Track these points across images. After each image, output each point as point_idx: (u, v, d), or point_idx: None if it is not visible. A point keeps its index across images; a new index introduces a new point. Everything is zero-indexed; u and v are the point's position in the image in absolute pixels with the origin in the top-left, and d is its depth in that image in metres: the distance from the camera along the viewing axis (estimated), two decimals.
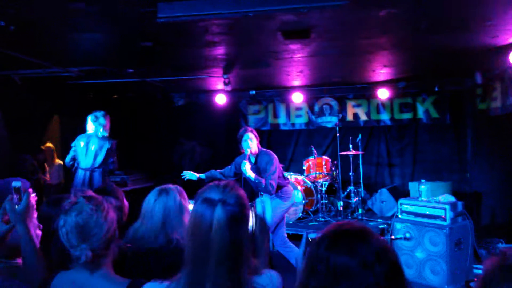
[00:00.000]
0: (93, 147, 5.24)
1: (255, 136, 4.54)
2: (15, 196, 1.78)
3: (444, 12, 3.38)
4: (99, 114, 5.31)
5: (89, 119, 5.33)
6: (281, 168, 4.72)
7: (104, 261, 1.62)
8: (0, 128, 5.50)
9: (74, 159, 5.33)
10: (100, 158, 5.23)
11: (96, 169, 5.25)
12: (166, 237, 2.12)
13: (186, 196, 2.26)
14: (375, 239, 1.19)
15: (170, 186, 2.26)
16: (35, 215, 1.87)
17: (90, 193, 1.69)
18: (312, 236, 1.30)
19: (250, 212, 1.49)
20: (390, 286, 1.12)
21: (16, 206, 1.76)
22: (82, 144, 5.26)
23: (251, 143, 4.45)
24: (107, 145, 5.24)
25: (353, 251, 1.15)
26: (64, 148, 6.95)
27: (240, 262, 1.34)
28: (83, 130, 5.44)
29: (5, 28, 3.26)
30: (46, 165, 6.67)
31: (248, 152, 4.44)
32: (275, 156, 4.53)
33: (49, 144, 6.81)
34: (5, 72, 5.25)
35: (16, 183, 1.81)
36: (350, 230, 1.21)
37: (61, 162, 6.87)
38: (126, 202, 2.38)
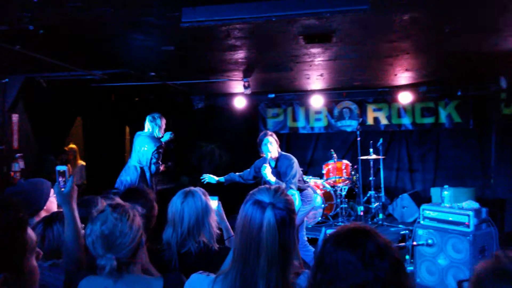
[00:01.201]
0: (140, 146, 5.36)
1: (275, 140, 4.54)
2: (60, 179, 1.94)
3: (468, 15, 3.32)
4: (156, 115, 5.47)
5: (147, 119, 5.49)
6: (301, 172, 4.71)
7: (131, 268, 1.64)
8: (26, 130, 5.63)
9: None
10: (145, 158, 5.31)
11: (144, 167, 5.35)
12: (195, 240, 2.16)
13: (209, 197, 2.30)
14: (377, 237, 1.24)
15: (194, 188, 2.29)
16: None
17: (118, 200, 1.72)
18: (330, 231, 1.37)
19: None
20: (391, 282, 1.16)
21: (62, 189, 1.91)
22: (136, 142, 5.43)
23: (271, 147, 4.46)
24: (152, 146, 5.31)
25: (355, 246, 1.21)
26: (86, 149, 7.09)
27: (288, 262, 1.42)
28: (106, 131, 5.52)
29: (34, 32, 3.34)
30: (69, 165, 6.80)
31: (269, 156, 4.44)
32: (295, 159, 4.52)
33: (72, 145, 6.95)
34: (31, 74, 5.37)
35: (61, 167, 1.97)
36: (354, 228, 1.29)
37: (84, 163, 7.00)
38: (155, 205, 2.41)
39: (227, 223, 2.50)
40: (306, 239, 4.72)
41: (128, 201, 1.86)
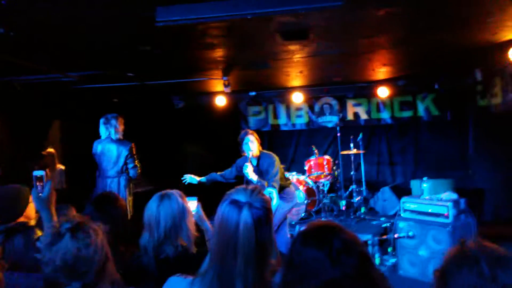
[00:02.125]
0: (109, 153, 5.04)
1: (256, 138, 4.54)
2: (38, 184, 1.93)
3: (443, 10, 3.37)
4: (110, 116, 5.14)
5: (100, 122, 5.15)
6: (283, 170, 4.72)
7: (100, 285, 1.56)
8: (1, 135, 5.50)
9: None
10: (119, 164, 5.03)
11: (117, 176, 5.04)
12: (172, 244, 2.13)
13: (186, 199, 2.27)
14: (343, 232, 1.26)
15: (170, 190, 2.27)
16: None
17: (72, 214, 1.67)
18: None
19: None
20: (359, 277, 1.17)
21: (40, 195, 1.89)
22: (99, 151, 5.08)
23: (252, 145, 4.46)
24: (124, 149, 5.02)
25: (321, 244, 1.22)
26: (65, 153, 6.95)
27: (265, 261, 1.43)
28: (84, 134, 5.37)
29: (4, 34, 3.26)
30: (47, 170, 6.65)
31: (250, 154, 4.44)
32: (277, 157, 4.52)
33: (50, 150, 6.80)
34: (5, 78, 5.24)
35: (38, 172, 1.95)
36: (319, 225, 1.31)
37: (63, 167, 6.87)
38: (127, 212, 2.37)
39: (208, 224, 2.48)
40: (289, 236, 4.73)
41: (99, 210, 1.83)
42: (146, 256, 2.15)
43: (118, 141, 5.07)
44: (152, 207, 2.17)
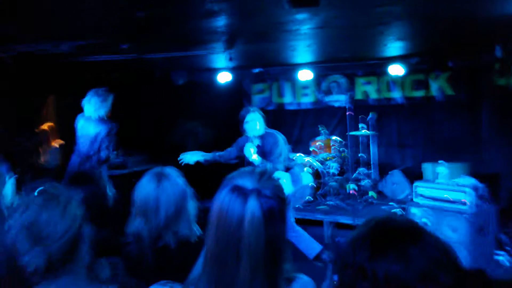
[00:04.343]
0: (89, 131, 4.67)
1: (261, 115, 4.23)
2: None
3: None
4: (94, 92, 4.73)
5: (86, 98, 4.75)
6: (288, 150, 4.41)
7: (71, 268, 1.30)
8: None
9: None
10: (96, 144, 4.65)
11: (91, 156, 4.66)
12: (172, 232, 1.83)
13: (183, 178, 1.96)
14: (431, 237, 0.93)
15: (167, 168, 1.94)
16: None
17: (50, 184, 1.38)
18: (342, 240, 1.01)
19: None
20: None
21: None
22: (79, 127, 4.74)
23: (255, 124, 4.15)
24: (103, 129, 4.64)
25: (408, 258, 0.87)
26: (61, 130, 6.69)
27: (277, 267, 1.11)
28: (79, 110, 5.07)
29: None
30: (40, 148, 6.42)
31: (253, 134, 4.14)
32: (282, 136, 4.22)
33: (44, 127, 6.55)
34: None
35: None
36: (397, 228, 0.93)
37: (57, 145, 6.63)
38: (108, 193, 2.07)
39: None
40: (293, 219, 4.46)
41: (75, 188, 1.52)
42: (138, 244, 1.85)
43: (100, 120, 4.69)
44: (148, 189, 1.83)
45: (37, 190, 1.33)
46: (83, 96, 4.80)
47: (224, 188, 1.13)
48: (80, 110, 4.85)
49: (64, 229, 1.28)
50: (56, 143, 6.58)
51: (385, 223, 0.95)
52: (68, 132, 6.51)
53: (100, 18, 3.90)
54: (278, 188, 1.15)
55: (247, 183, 1.12)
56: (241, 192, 1.10)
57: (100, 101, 4.72)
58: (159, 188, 1.81)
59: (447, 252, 0.91)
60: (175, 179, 1.88)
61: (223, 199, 1.11)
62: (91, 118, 4.72)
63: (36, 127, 6.32)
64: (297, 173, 4.47)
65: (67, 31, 4.38)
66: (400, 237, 0.91)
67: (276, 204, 1.11)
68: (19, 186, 2.32)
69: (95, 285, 1.37)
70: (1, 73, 5.23)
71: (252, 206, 1.07)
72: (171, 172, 1.90)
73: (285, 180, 3.93)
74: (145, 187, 1.85)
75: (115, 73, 7.34)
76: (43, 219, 1.27)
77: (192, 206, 1.92)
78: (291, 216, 4.45)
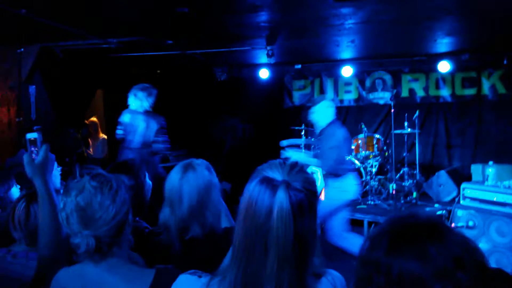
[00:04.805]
0: (140, 125, 4.75)
1: (330, 106, 4.19)
2: (33, 148, 1.65)
3: None
4: (140, 87, 4.79)
5: (132, 93, 4.82)
6: (348, 147, 4.31)
7: (116, 251, 1.35)
8: (44, 102, 5.48)
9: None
10: (148, 137, 4.73)
11: (145, 149, 4.75)
12: (198, 222, 1.84)
13: (213, 172, 1.95)
14: (454, 235, 0.88)
15: (196, 160, 1.95)
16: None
17: (101, 170, 1.42)
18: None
19: None
20: None
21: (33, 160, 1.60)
22: (127, 121, 4.79)
23: (317, 115, 4.14)
24: (155, 123, 4.73)
25: (425, 255, 0.84)
26: (108, 122, 6.93)
27: (305, 261, 1.09)
28: (126, 105, 5.20)
29: None
30: (90, 139, 6.68)
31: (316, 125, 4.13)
32: (343, 130, 4.14)
33: (93, 119, 6.81)
34: (46, 44, 5.17)
35: (31, 135, 1.66)
36: (417, 225, 0.90)
37: (105, 137, 6.87)
38: (149, 182, 2.10)
39: None
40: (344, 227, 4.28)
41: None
42: (168, 234, 1.87)
43: (148, 114, 4.77)
44: (174, 179, 1.84)
45: (91, 175, 1.36)
46: (128, 90, 4.92)
47: (254, 180, 1.12)
48: (125, 103, 4.97)
49: (115, 212, 1.32)
50: (103, 135, 6.84)
51: (405, 219, 0.93)
52: (114, 124, 6.77)
53: (146, 15, 3.99)
54: (309, 181, 1.11)
55: (277, 175, 1.11)
56: (270, 184, 1.09)
57: (146, 95, 4.80)
58: (183, 180, 1.82)
59: (470, 250, 0.86)
60: (202, 171, 1.87)
61: (252, 190, 1.10)
62: (138, 112, 4.82)
63: (85, 119, 6.59)
64: (351, 183, 4.27)
65: (115, 28, 4.52)
66: (418, 234, 0.88)
67: (305, 197, 1.08)
68: (66, 177, 2.42)
69: (138, 268, 1.42)
70: (53, 65, 5.46)
71: (281, 198, 1.06)
72: (199, 164, 1.90)
73: (319, 176, 3.83)
74: (171, 178, 1.87)
75: (159, 68, 7.52)
76: (97, 202, 1.30)
77: (218, 198, 1.91)
78: (342, 223, 4.22)
